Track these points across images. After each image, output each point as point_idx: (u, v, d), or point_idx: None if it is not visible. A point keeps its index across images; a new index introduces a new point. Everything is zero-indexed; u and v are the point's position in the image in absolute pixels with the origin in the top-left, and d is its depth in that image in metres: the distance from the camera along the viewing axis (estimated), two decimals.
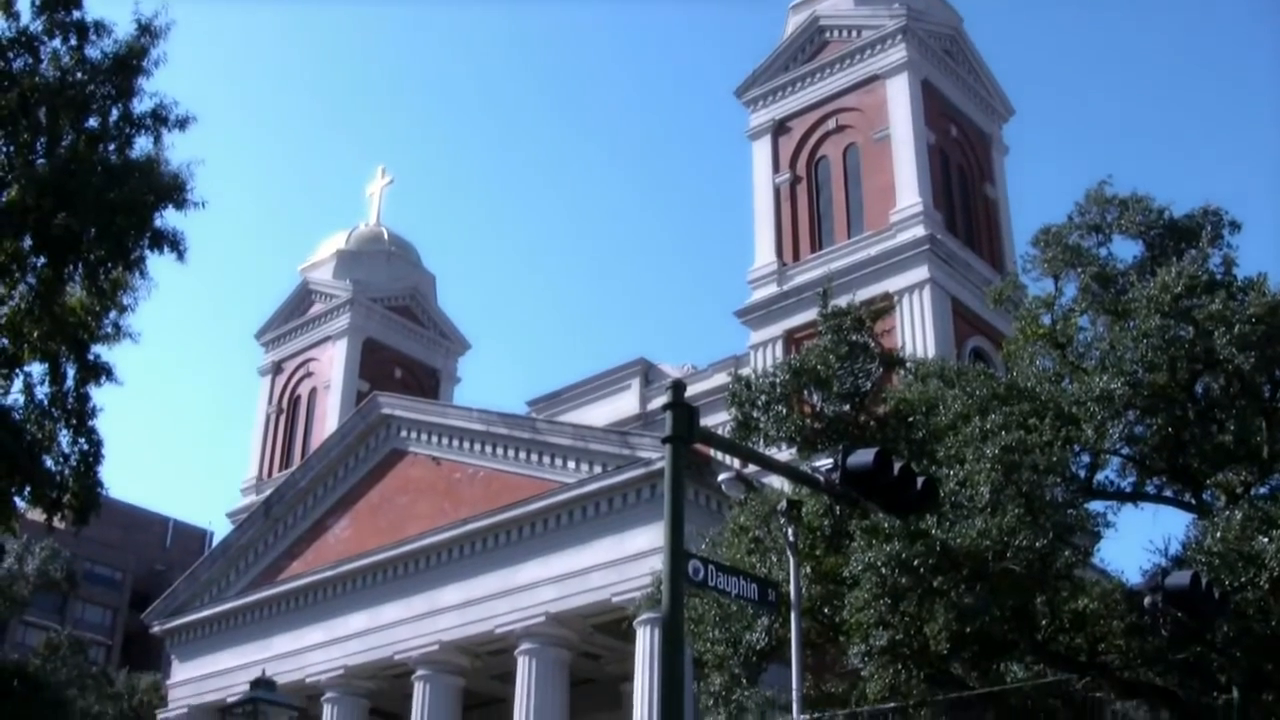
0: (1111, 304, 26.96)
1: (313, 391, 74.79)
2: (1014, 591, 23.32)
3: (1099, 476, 27.27)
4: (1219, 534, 23.05)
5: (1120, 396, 24.80)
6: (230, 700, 20.57)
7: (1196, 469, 26.37)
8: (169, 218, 30.56)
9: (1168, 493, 27.85)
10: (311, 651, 53.35)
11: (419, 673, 49.74)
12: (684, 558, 16.48)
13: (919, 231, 53.38)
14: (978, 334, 54.33)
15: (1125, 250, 28.67)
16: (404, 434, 54.61)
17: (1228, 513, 23.85)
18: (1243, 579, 22.49)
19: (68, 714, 51.07)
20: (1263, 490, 26.20)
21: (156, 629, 63.02)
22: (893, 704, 25.68)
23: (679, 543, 15.75)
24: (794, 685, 24.54)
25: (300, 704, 29.38)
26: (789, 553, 24.89)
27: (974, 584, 23.34)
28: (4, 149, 29.83)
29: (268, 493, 62.55)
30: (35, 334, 30.56)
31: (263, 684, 19.38)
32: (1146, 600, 21.99)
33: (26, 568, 76.59)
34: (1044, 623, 24.97)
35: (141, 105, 30.51)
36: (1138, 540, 55.08)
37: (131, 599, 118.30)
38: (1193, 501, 26.95)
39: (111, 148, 30.21)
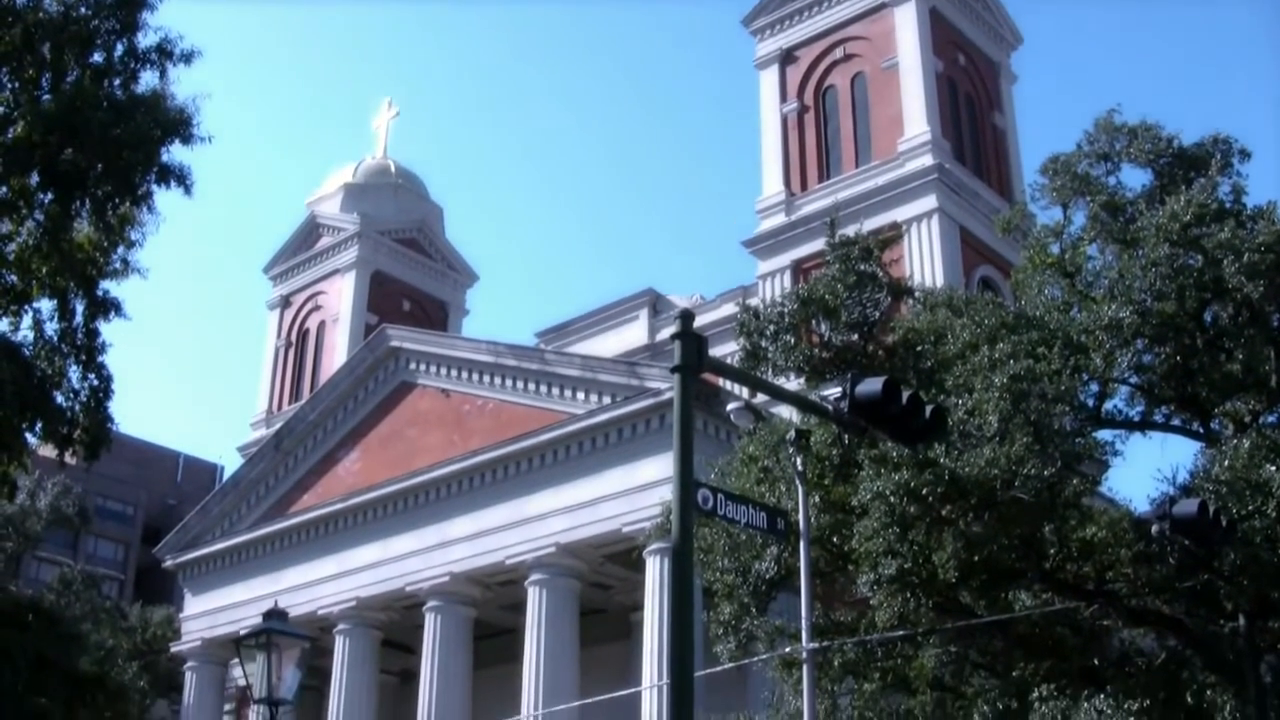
0: (1120, 232, 26.87)
1: (321, 325, 74.80)
2: (1022, 520, 23.38)
3: (1107, 405, 27.27)
4: (1226, 462, 23.09)
5: (1129, 325, 24.77)
6: (243, 632, 20.61)
7: (1205, 397, 26.38)
8: (175, 152, 30.54)
9: (1176, 421, 27.87)
10: (323, 584, 53.65)
11: (430, 604, 50.02)
12: (693, 486, 16.50)
13: (927, 161, 53.20)
14: (986, 263, 54.23)
15: (1134, 179, 28.60)
16: (413, 366, 54.68)
17: (1235, 441, 23.88)
18: (1250, 507, 22.56)
19: (82, 647, 51.36)
20: (1270, 419, 26.24)
21: (169, 563, 63.35)
22: (901, 632, 25.81)
23: (688, 471, 15.79)
24: (803, 614, 24.65)
25: (312, 636, 29.52)
26: (798, 482, 24.94)
27: (982, 513, 23.40)
28: (9, 85, 29.78)
29: (277, 426, 62.73)
30: (44, 270, 30.60)
31: (275, 615, 19.39)
32: (1154, 528, 22.03)
33: (38, 504, 76.80)
34: (1052, 551, 25.03)
35: (146, 40, 30.43)
36: (1146, 469, 55.28)
37: (143, 534, 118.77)
38: (1201, 430, 26.97)
39: (117, 83, 30.13)
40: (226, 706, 61.86)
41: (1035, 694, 25.00)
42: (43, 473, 71.81)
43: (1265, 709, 22.62)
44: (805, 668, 24.74)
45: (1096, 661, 26.57)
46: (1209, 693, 24.15)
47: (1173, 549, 23.12)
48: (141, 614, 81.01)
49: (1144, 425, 27.74)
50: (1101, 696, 23.79)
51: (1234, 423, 26.22)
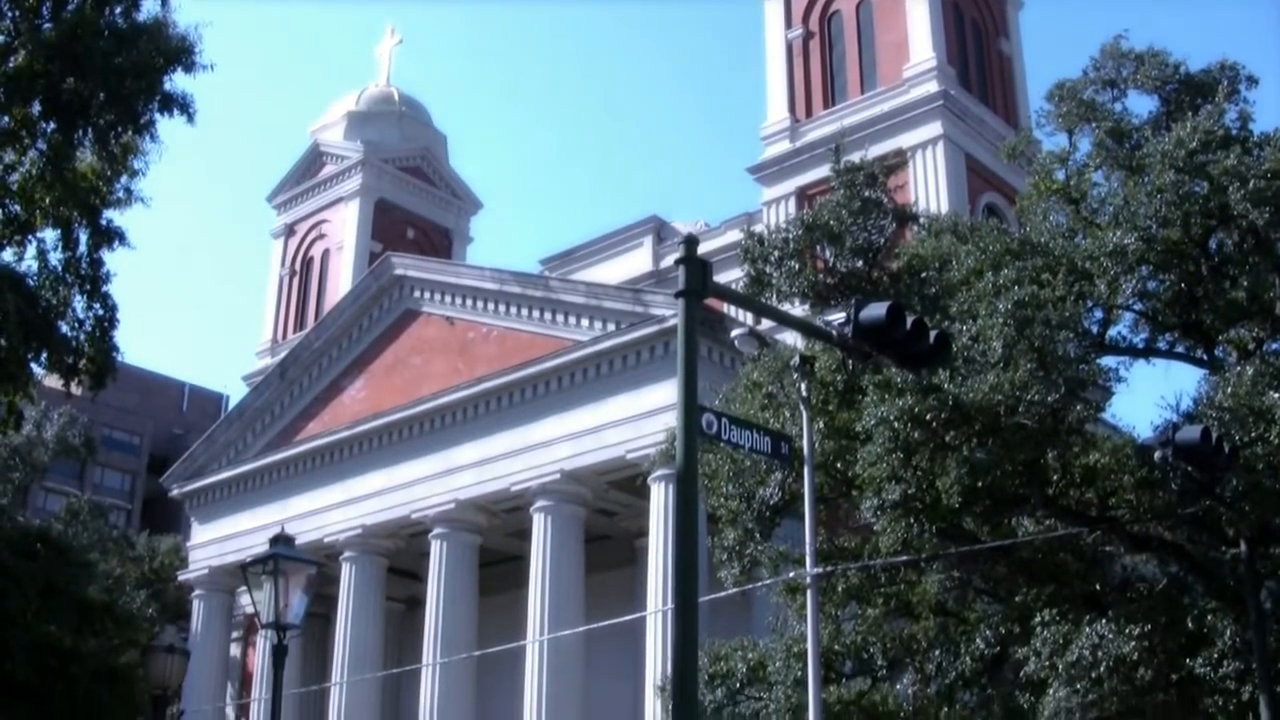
0: (1126, 159, 26.76)
1: (325, 253, 74.75)
2: (1025, 446, 23.41)
3: (1111, 332, 27.24)
4: (1230, 389, 23.07)
5: (1133, 252, 24.71)
6: (249, 559, 20.72)
7: (1209, 325, 26.34)
8: (178, 81, 30.46)
9: (1180, 348, 27.83)
10: (329, 511, 53.90)
11: (436, 531, 50.28)
12: (697, 411, 16.53)
13: (932, 87, 52.99)
14: (991, 190, 54.12)
15: (1140, 105, 28.45)
16: (417, 294, 54.70)
17: (1239, 368, 23.86)
18: (1253, 434, 22.57)
19: (91, 575, 51.66)
20: (1274, 346, 26.18)
21: (175, 492, 63.64)
22: (904, 557, 25.93)
23: (692, 396, 15.80)
24: (807, 539, 24.78)
25: (319, 562, 29.63)
26: (802, 408, 24.99)
27: (986, 439, 23.43)
28: (10, 14, 29.64)
29: (282, 355, 62.81)
30: (47, 200, 30.56)
31: (282, 540, 19.51)
32: (1157, 455, 22.09)
33: (45, 434, 77.09)
34: (1055, 477, 25.09)
35: None
36: (1149, 396, 55.10)
37: (150, 463, 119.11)
38: (1204, 357, 26.95)
39: (118, 11, 29.97)
40: (234, 634, 62.37)
41: (1037, 619, 25.12)
42: (49, 403, 72.08)
43: (1265, 634, 22.73)
44: (809, 593, 24.89)
45: (1098, 587, 26.68)
46: (1210, 618, 24.22)
47: (1175, 475, 23.17)
48: (149, 543, 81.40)
49: (1148, 352, 27.72)
50: (1103, 621, 23.90)
51: (1238, 350, 26.19)
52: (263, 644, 54.78)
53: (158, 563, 77.74)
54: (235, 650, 62.86)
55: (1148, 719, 24.90)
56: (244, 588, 46.20)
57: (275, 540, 19.54)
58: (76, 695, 43.53)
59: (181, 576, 64.12)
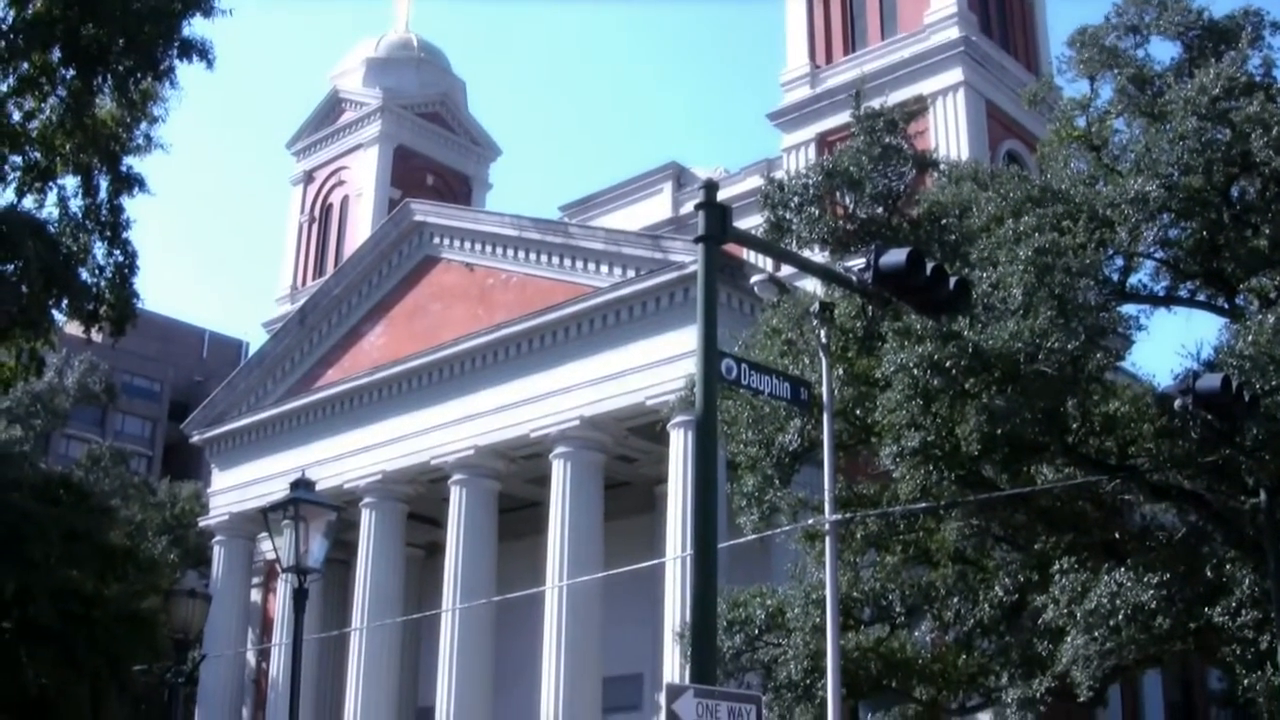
0: (1148, 106, 26.62)
1: (345, 200, 74.69)
2: (1045, 394, 23.38)
3: (1132, 280, 27.20)
4: (1251, 337, 23.01)
5: (1155, 199, 24.62)
6: (270, 503, 20.75)
7: (1230, 273, 26.25)
8: (196, 26, 30.44)
9: (1201, 297, 27.77)
10: (349, 457, 54.03)
11: (455, 477, 50.39)
12: (717, 356, 16.52)
13: (953, 33, 52.62)
14: (1012, 137, 53.85)
15: (1163, 52, 28.28)
16: (437, 241, 54.66)
17: (1260, 316, 23.77)
18: (1273, 382, 22.52)
19: (113, 521, 51.95)
20: None
21: (196, 438, 63.82)
22: (923, 505, 25.96)
23: (712, 341, 15.77)
24: (826, 486, 24.77)
25: (339, 506, 29.70)
26: (821, 354, 24.93)
27: (1005, 386, 23.41)
28: None
29: (302, 302, 62.80)
30: (67, 147, 30.61)
31: (302, 484, 19.53)
32: (1177, 403, 22.06)
33: (66, 381, 77.45)
34: (1074, 425, 25.08)
35: None
36: (1170, 344, 55.05)
37: (170, 410, 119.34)
38: (1226, 306, 26.86)
39: None
40: (254, 580, 62.67)
41: (1055, 567, 25.18)
42: (70, 350, 72.42)
43: None
44: (828, 540, 24.89)
45: (1117, 535, 26.75)
46: (1228, 567, 24.26)
47: (1195, 424, 23.14)
48: (170, 489, 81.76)
49: (1169, 300, 27.68)
50: (1121, 570, 23.94)
51: (1259, 298, 26.07)
52: (283, 589, 55.06)
53: (178, 509, 78.11)
54: (255, 596, 63.17)
55: (1165, 667, 25.00)
56: (264, 534, 46.41)
57: (296, 484, 19.56)
58: (99, 639, 43.86)
59: (202, 522, 64.36)
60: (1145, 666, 30.28)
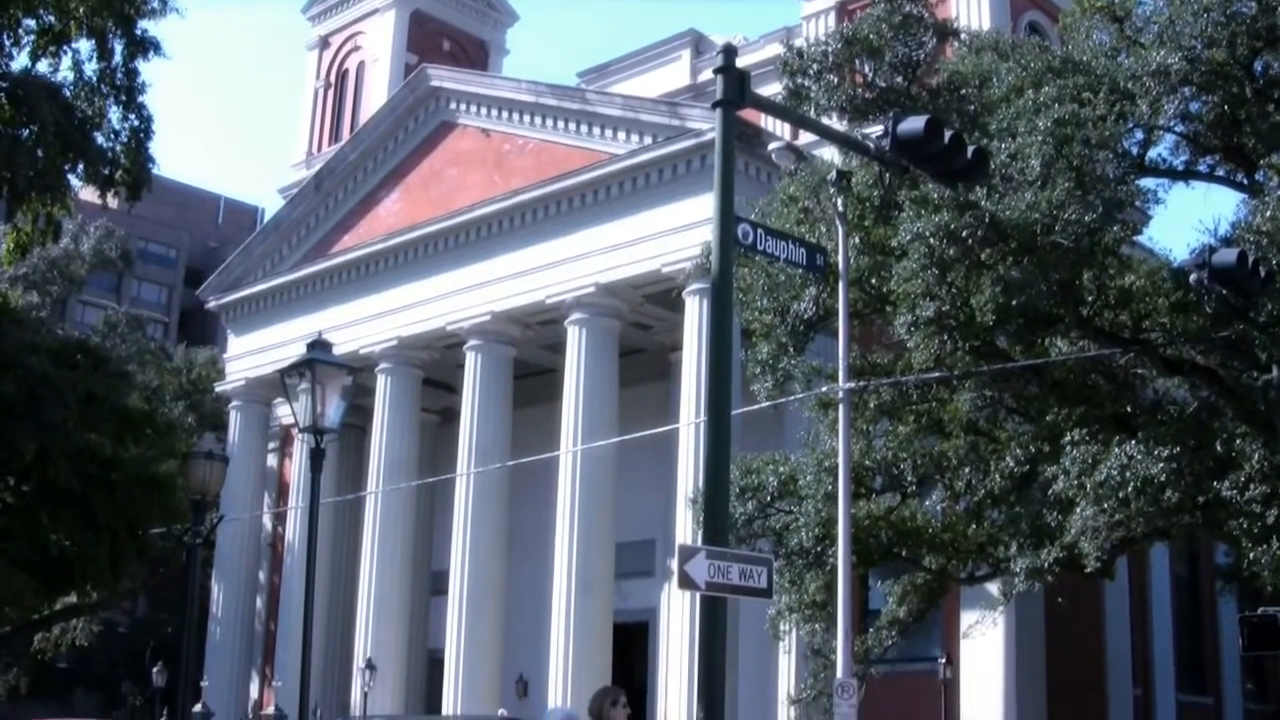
0: None
1: (360, 65, 74.11)
2: (1061, 266, 23.32)
3: (1151, 153, 26.96)
4: (1269, 213, 22.86)
5: (1177, 72, 24.37)
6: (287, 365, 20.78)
7: (1251, 148, 25.99)
8: None
9: (1220, 172, 27.58)
10: (365, 323, 54.16)
11: (470, 343, 50.55)
12: (734, 222, 16.51)
13: None
14: (1034, 8, 53.19)
15: None
16: (453, 106, 54.39)
17: (1279, 192, 23.68)
18: None
19: (131, 385, 52.30)
20: None
21: (212, 304, 64.02)
22: (937, 374, 26.00)
23: (728, 206, 15.75)
24: (840, 354, 24.85)
25: (356, 369, 29.79)
26: (838, 223, 24.87)
27: (1021, 257, 23.35)
28: None
29: (318, 168, 62.60)
30: (82, 10, 30.43)
31: (319, 346, 19.53)
32: (1192, 277, 21.98)
33: (82, 247, 77.48)
34: (1090, 298, 25.02)
35: None
36: (1187, 220, 54.78)
37: (186, 276, 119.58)
38: (1245, 181, 26.66)
39: None
40: (271, 445, 63.12)
41: (1067, 439, 25.23)
42: (85, 217, 72.37)
43: None
44: (841, 408, 25.02)
45: (1129, 409, 26.76)
46: (1238, 442, 24.27)
47: (1210, 299, 23.09)
48: (186, 355, 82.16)
49: (1187, 175, 27.47)
50: (1132, 443, 23.98)
51: (1278, 174, 25.94)
52: (299, 454, 55.54)
53: (195, 374, 78.57)
54: (271, 461, 63.64)
55: (1173, 540, 25.14)
56: (280, 399, 46.59)
57: (312, 345, 19.56)
58: (117, 500, 44.43)
59: (218, 388, 64.70)
60: (1153, 539, 30.43)
